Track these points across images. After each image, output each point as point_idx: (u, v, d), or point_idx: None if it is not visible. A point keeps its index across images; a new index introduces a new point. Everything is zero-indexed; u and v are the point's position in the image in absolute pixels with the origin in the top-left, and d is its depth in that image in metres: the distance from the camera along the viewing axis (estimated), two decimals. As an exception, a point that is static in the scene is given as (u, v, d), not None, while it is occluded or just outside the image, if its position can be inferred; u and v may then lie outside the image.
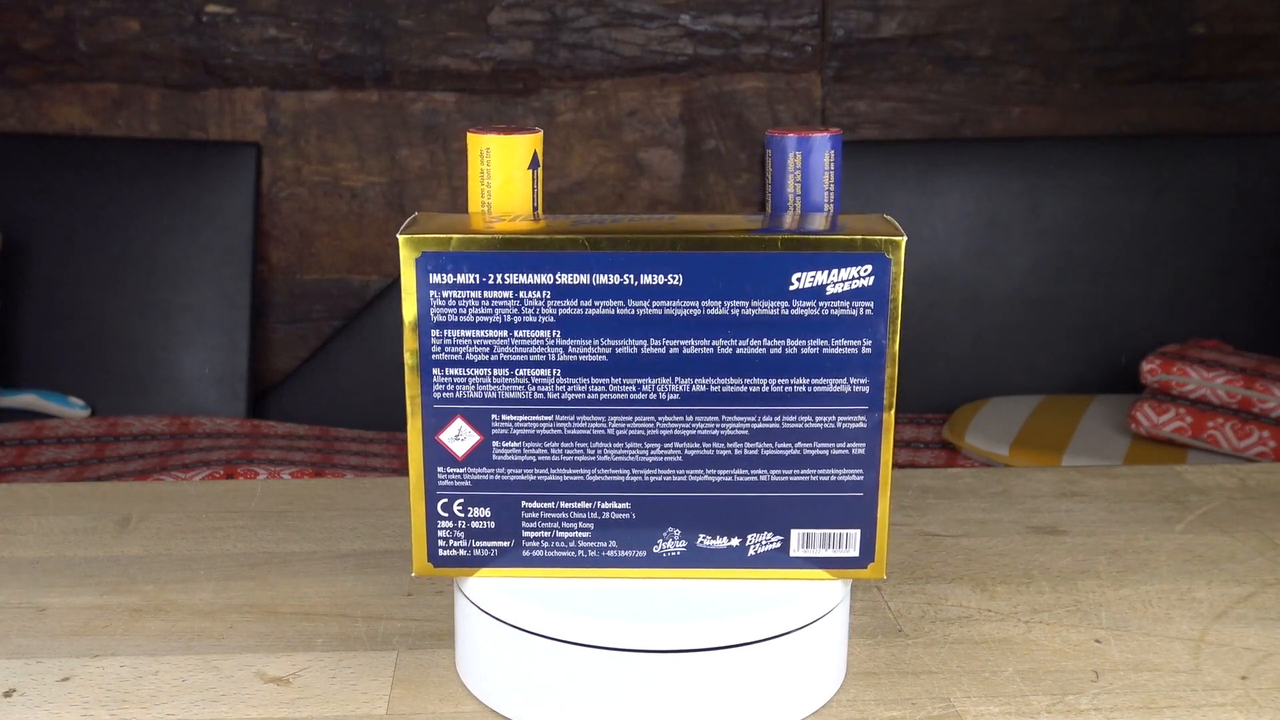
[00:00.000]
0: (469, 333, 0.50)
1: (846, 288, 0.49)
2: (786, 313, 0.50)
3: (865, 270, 0.49)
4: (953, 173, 2.03)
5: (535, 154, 0.52)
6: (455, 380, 0.51)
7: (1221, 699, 0.53)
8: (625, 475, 0.52)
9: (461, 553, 0.53)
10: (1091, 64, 2.10)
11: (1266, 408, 1.66)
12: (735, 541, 0.52)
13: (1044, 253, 2.02)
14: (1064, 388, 2.02)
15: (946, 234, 2.02)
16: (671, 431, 0.51)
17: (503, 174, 0.52)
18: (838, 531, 0.52)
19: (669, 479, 0.52)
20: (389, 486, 0.77)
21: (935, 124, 2.11)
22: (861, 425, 0.51)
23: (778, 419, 0.51)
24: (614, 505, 0.52)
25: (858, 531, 0.52)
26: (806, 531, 0.52)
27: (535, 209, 0.53)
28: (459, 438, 0.52)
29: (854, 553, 0.52)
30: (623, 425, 0.51)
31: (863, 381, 0.50)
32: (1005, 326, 2.03)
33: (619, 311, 0.50)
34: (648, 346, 0.50)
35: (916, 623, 0.60)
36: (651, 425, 0.51)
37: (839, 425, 0.51)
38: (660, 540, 0.52)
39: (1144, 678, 0.55)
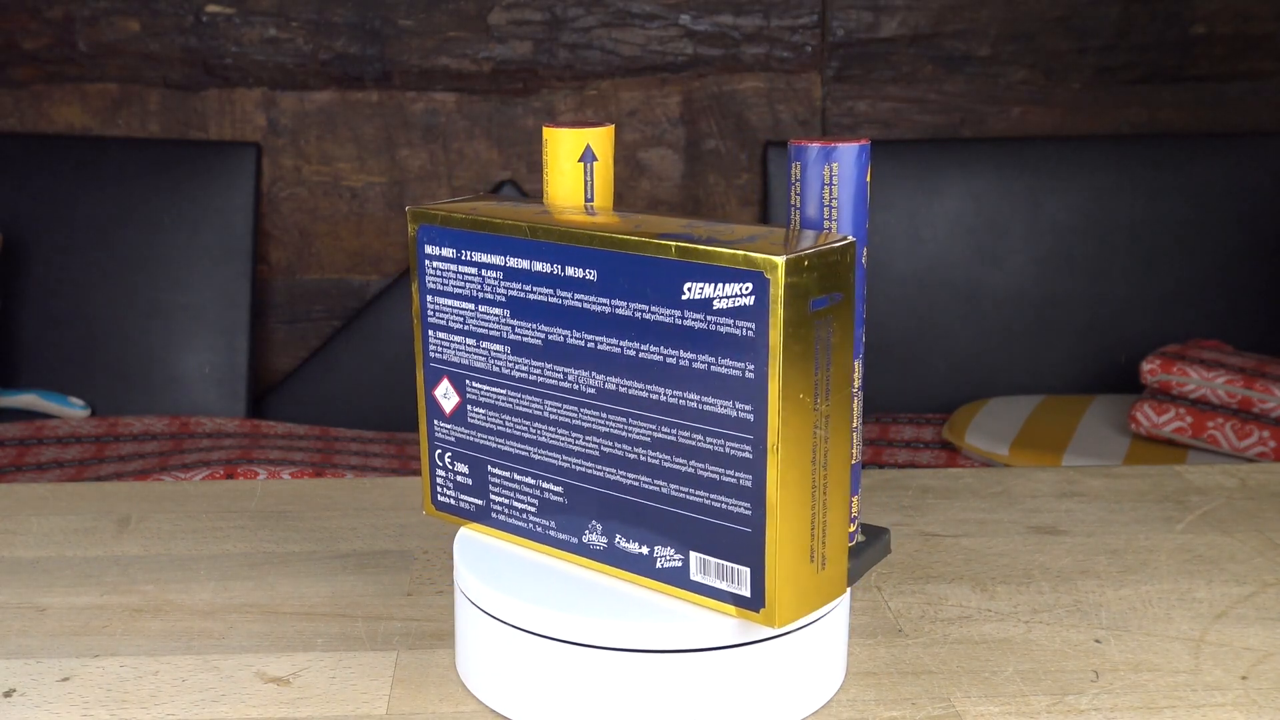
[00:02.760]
0: (450, 301, 0.54)
1: (731, 304, 0.46)
2: (679, 323, 0.47)
3: (746, 288, 0.45)
4: (953, 173, 2.03)
5: (589, 147, 0.53)
6: (442, 343, 0.55)
7: (1221, 699, 0.53)
8: (559, 460, 0.53)
9: (452, 502, 0.57)
10: (1091, 64, 2.10)
11: (1266, 408, 1.66)
12: (644, 550, 0.51)
13: (1044, 253, 2.02)
14: (1064, 388, 2.02)
15: (946, 234, 2.02)
16: (591, 425, 0.51)
17: (554, 165, 0.54)
18: (729, 564, 0.49)
19: (590, 472, 0.52)
20: (389, 486, 0.77)
21: (935, 124, 2.11)
22: (747, 456, 0.47)
23: (674, 432, 0.49)
24: (551, 487, 0.54)
25: (747, 570, 0.48)
26: (703, 557, 0.49)
27: (588, 200, 0.55)
28: (446, 396, 0.56)
29: (745, 592, 0.48)
30: (555, 410, 0.52)
31: (747, 409, 0.46)
32: (1005, 326, 2.03)
33: (550, 300, 0.51)
34: (571, 337, 0.51)
35: (916, 623, 0.60)
36: (575, 415, 0.52)
37: (726, 450, 0.47)
38: (586, 531, 0.53)
39: (1144, 678, 0.55)
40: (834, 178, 0.49)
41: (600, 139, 0.54)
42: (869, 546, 0.54)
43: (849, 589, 0.53)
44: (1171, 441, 1.72)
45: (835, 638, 0.53)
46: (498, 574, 0.52)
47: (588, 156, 0.54)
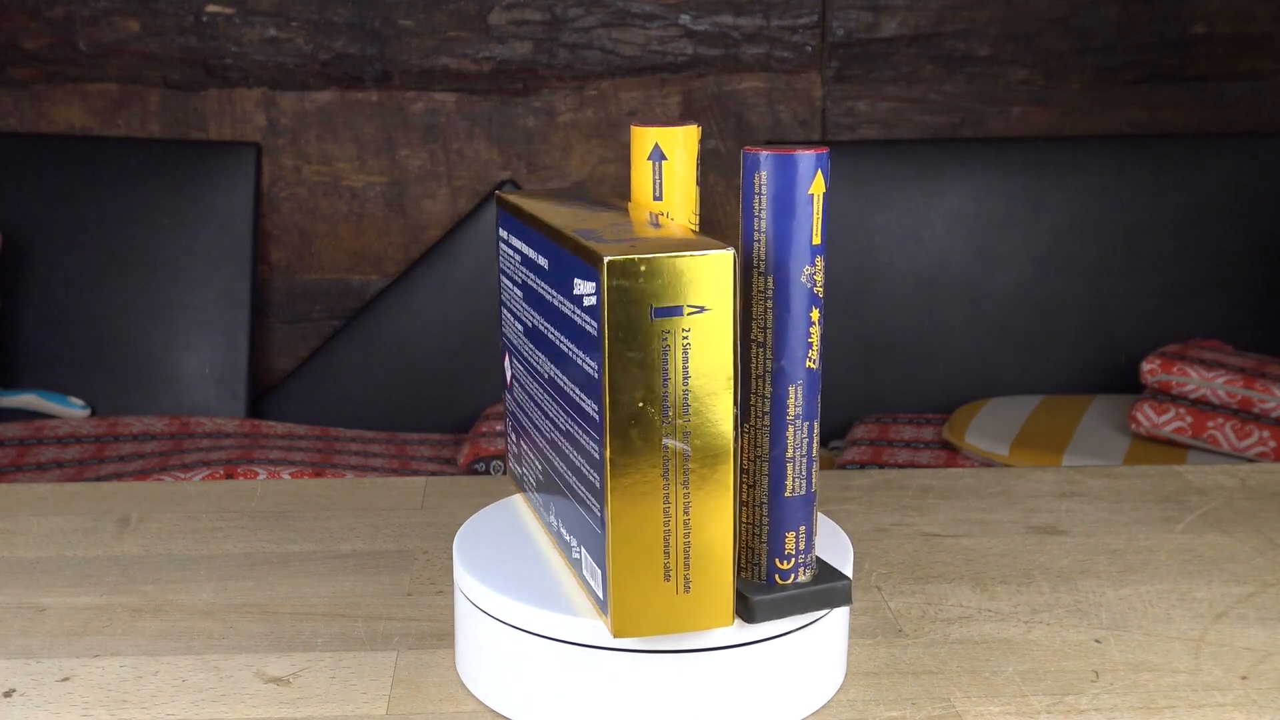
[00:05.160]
0: (505, 280, 0.58)
1: (588, 302, 0.45)
2: (571, 316, 0.47)
3: (592, 288, 0.45)
4: (953, 173, 2.03)
5: (656, 146, 0.53)
6: (503, 319, 0.59)
7: (1221, 699, 0.53)
8: (538, 440, 0.55)
9: (517, 469, 0.60)
10: (1091, 64, 2.10)
11: (1266, 408, 1.66)
12: (570, 539, 0.51)
13: (1044, 253, 2.02)
14: (1064, 388, 2.02)
15: (946, 234, 2.02)
16: (544, 410, 0.53)
17: (633, 162, 0.55)
18: (595, 564, 0.48)
19: (545, 454, 0.53)
20: (389, 486, 0.77)
21: (935, 124, 2.11)
22: (597, 455, 0.46)
23: (571, 424, 0.49)
24: (536, 466, 0.55)
25: (600, 572, 0.47)
26: (584, 552, 0.49)
27: (656, 198, 0.55)
28: (507, 368, 0.60)
29: (600, 594, 0.47)
30: (535, 392, 0.54)
31: (596, 408, 0.46)
32: (1005, 326, 2.03)
33: (528, 282, 0.53)
34: (533, 320, 0.53)
35: (916, 623, 0.60)
36: (541, 399, 0.53)
37: (589, 447, 0.47)
38: (548, 513, 0.54)
39: (1144, 678, 0.55)
40: (762, 187, 0.46)
41: (669, 138, 0.54)
42: (806, 589, 0.49)
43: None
44: (1171, 441, 1.72)
45: (835, 638, 0.53)
46: (498, 574, 0.52)
47: (655, 155, 0.54)
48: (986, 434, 1.77)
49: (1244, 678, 0.55)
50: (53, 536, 0.70)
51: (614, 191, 2.10)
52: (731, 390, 0.45)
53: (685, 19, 2.06)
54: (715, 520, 0.46)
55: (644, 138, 0.54)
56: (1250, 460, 1.65)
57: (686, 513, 0.46)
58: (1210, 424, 1.68)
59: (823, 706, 0.52)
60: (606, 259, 0.43)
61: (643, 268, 0.43)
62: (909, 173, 2.03)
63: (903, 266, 2.02)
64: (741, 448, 0.49)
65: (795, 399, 0.48)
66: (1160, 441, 1.73)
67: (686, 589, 0.46)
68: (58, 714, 0.52)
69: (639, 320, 0.43)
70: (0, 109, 2.04)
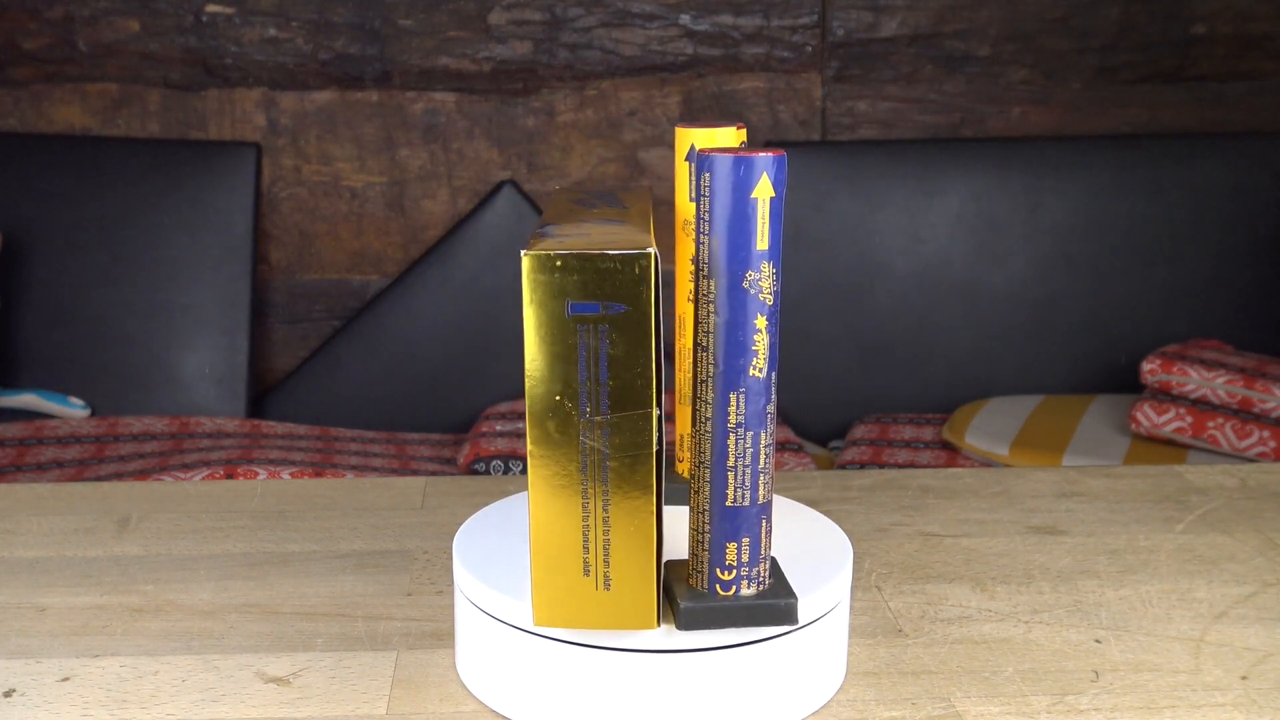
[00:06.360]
0: None
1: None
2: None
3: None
4: (953, 173, 2.03)
5: (692, 147, 0.54)
6: None
7: (1221, 699, 0.53)
8: None
9: None
10: (1091, 64, 2.10)
11: (1266, 408, 1.66)
12: None
13: (1044, 253, 2.02)
14: (1064, 388, 2.02)
15: (946, 234, 2.02)
16: None
17: (677, 161, 0.56)
18: None
19: None
20: (389, 486, 0.77)
21: (935, 124, 2.11)
22: None
23: None
24: None
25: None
26: None
27: (692, 197, 0.55)
28: None
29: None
30: None
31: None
32: (1005, 326, 2.03)
33: None
34: None
35: (916, 623, 0.60)
36: None
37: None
38: None
39: (1144, 678, 0.55)
40: (707, 189, 0.45)
41: (705, 139, 0.54)
42: (740, 603, 0.48)
43: (848, 588, 0.53)
44: (1171, 441, 1.72)
45: (835, 638, 0.53)
46: (498, 574, 0.52)
47: (691, 156, 0.54)
48: (986, 434, 1.77)
49: (1244, 678, 0.55)
50: (53, 536, 0.70)
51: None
52: (653, 391, 0.45)
53: (685, 19, 2.06)
54: (636, 521, 0.46)
55: (684, 138, 0.54)
56: (1250, 460, 1.65)
57: (606, 510, 0.46)
58: (1210, 424, 1.68)
59: (823, 706, 0.52)
60: (525, 254, 0.44)
61: (559, 264, 0.44)
62: (909, 173, 2.03)
63: (903, 266, 2.02)
64: (693, 453, 0.49)
65: (737, 407, 0.47)
66: (1160, 441, 1.73)
67: (607, 586, 0.47)
68: (58, 714, 0.52)
69: (558, 315, 0.44)
70: (0, 109, 2.04)
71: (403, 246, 2.11)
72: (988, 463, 1.73)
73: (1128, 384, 1.97)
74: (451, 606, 0.61)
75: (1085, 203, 2.01)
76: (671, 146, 2.09)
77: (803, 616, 0.50)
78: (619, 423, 0.45)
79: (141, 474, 1.64)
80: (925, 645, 0.58)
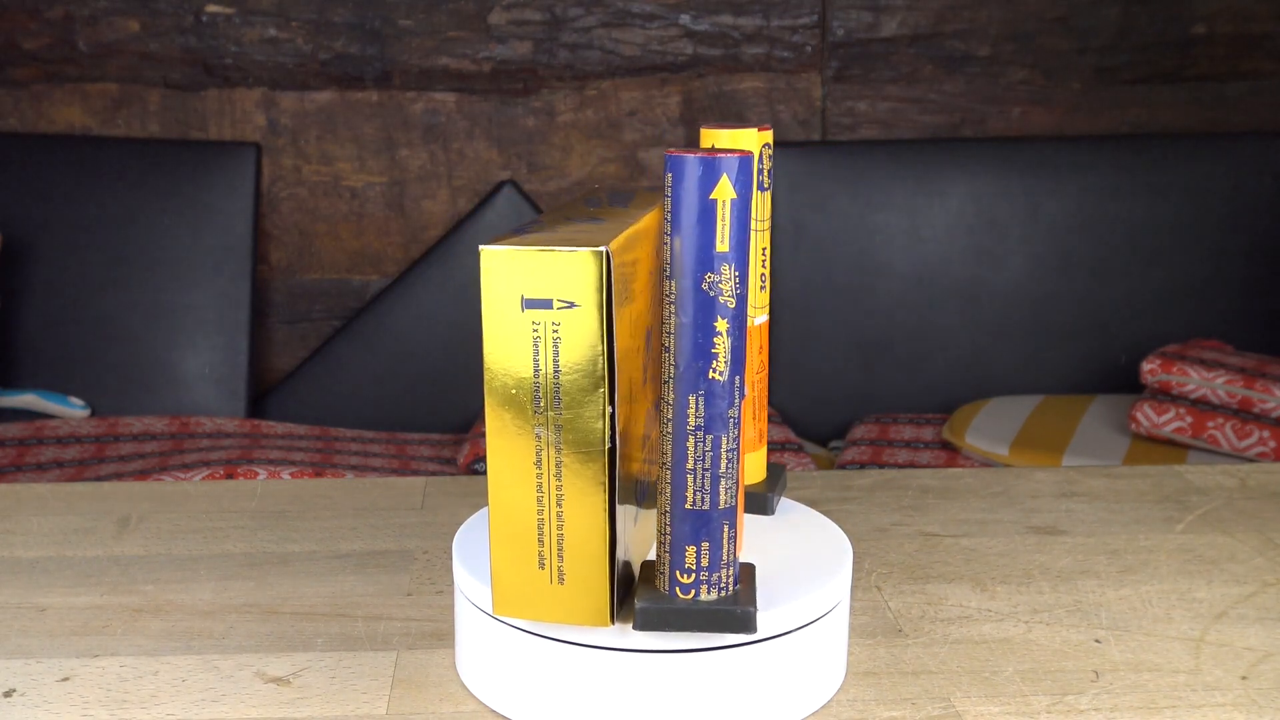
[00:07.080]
0: None
1: None
2: None
3: None
4: (953, 173, 2.03)
5: (713, 147, 0.54)
6: None
7: (1221, 699, 0.53)
8: None
9: None
10: (1091, 64, 2.10)
11: (1266, 408, 1.66)
12: None
13: (1043, 253, 2.02)
14: (1064, 388, 2.02)
15: (946, 234, 2.02)
16: None
17: None
18: None
19: None
20: (389, 486, 0.77)
21: (935, 124, 2.11)
22: None
23: None
24: None
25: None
26: None
27: None
28: None
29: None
30: None
31: None
32: (1005, 326, 2.03)
33: None
34: None
35: (916, 623, 0.60)
36: None
37: None
38: None
39: (1144, 678, 0.55)
40: (669, 190, 0.45)
41: (730, 140, 0.54)
42: (697, 607, 0.48)
43: (848, 588, 0.53)
44: (1171, 441, 1.72)
45: (835, 638, 0.53)
46: (498, 574, 0.52)
47: None
48: (986, 434, 1.77)
49: (1244, 678, 0.55)
50: (53, 536, 0.70)
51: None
52: (604, 389, 0.45)
53: (685, 19, 2.06)
54: (588, 516, 0.47)
55: (708, 139, 0.54)
56: (1250, 460, 1.65)
57: (560, 505, 0.47)
58: (1210, 424, 1.68)
59: (822, 706, 0.52)
60: (482, 248, 0.45)
61: (513, 259, 0.45)
62: (909, 173, 2.03)
63: (902, 266, 2.02)
64: (658, 454, 0.49)
65: (696, 409, 0.47)
66: (1160, 441, 1.73)
67: (561, 580, 0.47)
68: (58, 714, 0.52)
69: (511, 308, 0.45)
70: (0, 109, 2.04)
71: (403, 246, 2.11)
72: (988, 463, 1.73)
73: (1127, 384, 1.97)
74: (451, 606, 0.61)
75: (1085, 203, 2.02)
76: (672, 146, 2.09)
77: (803, 617, 0.50)
78: (573, 419, 0.46)
79: (141, 474, 1.64)
80: (925, 645, 0.58)
